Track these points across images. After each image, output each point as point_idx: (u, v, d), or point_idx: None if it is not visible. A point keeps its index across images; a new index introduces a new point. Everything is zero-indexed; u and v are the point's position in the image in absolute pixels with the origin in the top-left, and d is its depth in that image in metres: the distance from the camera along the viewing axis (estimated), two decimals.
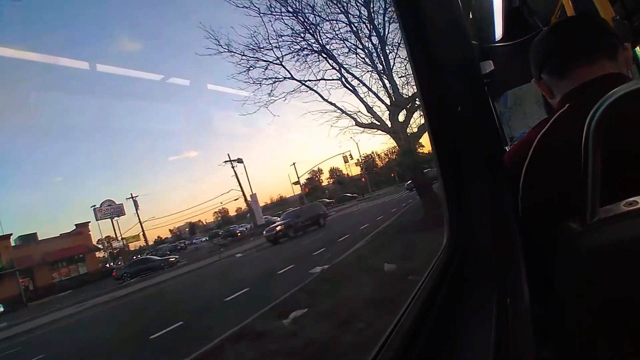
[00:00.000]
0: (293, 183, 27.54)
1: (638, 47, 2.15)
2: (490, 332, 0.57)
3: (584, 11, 1.88)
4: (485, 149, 0.90)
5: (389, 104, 10.30)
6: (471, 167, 0.88)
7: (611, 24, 1.30)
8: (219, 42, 10.62)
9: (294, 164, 25.84)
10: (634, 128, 0.72)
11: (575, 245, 0.67)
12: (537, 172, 0.84)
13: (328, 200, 29.96)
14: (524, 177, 0.85)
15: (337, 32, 10.52)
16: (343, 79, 10.55)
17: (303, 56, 10.71)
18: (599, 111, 0.59)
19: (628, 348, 0.64)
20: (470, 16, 2.55)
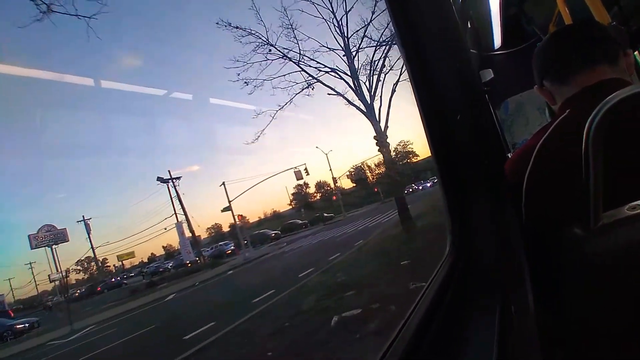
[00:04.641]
0: (222, 210, 21.70)
1: (637, 52, 2.15)
2: (494, 339, 0.56)
3: (581, 17, 1.90)
4: (486, 156, 0.90)
5: None
6: (472, 175, 0.88)
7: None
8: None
9: (223, 183, 21.30)
10: (635, 132, 0.72)
11: (579, 250, 0.66)
12: (539, 178, 0.84)
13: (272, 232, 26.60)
14: (527, 183, 0.85)
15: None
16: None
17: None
18: (598, 115, 0.59)
19: (634, 351, 0.63)
20: (469, 26, 2.58)
